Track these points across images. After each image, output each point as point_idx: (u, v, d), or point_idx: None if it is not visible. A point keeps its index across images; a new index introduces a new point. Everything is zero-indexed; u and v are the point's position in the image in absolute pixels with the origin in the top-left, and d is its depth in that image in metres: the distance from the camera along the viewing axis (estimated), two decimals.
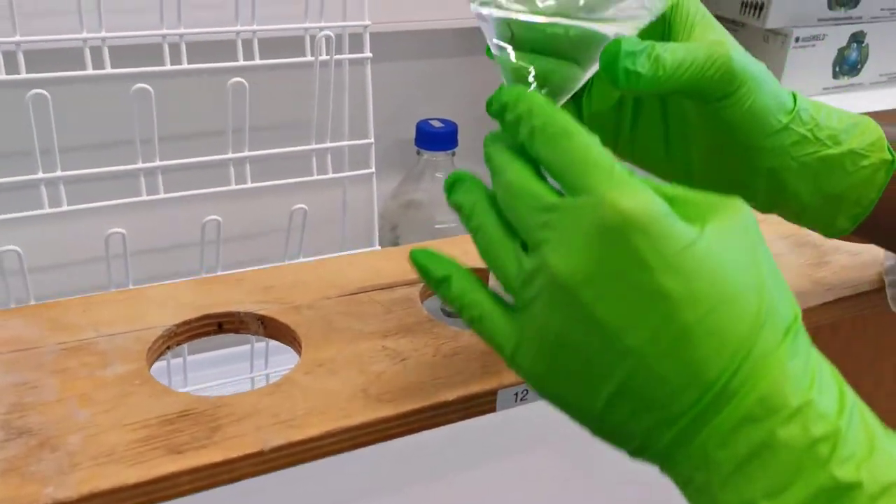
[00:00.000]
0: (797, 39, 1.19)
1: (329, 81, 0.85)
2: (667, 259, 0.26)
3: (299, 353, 0.41)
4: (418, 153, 1.13)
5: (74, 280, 0.88)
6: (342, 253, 0.61)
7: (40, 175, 0.72)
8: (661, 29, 0.36)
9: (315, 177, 0.86)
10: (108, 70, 0.73)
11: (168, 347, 0.41)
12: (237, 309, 0.43)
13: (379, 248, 0.94)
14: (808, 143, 0.38)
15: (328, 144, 0.86)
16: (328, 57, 0.81)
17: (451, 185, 0.32)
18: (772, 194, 0.39)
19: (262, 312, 0.43)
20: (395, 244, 0.98)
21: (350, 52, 0.84)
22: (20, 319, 0.41)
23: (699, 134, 0.38)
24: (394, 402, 0.37)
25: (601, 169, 0.27)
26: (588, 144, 0.28)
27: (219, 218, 0.79)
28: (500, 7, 0.32)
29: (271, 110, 1.01)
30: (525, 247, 0.29)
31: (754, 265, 0.27)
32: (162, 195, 0.78)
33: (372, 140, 0.88)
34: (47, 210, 0.73)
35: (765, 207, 0.40)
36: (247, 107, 0.78)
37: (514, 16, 0.32)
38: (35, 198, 0.74)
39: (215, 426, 0.35)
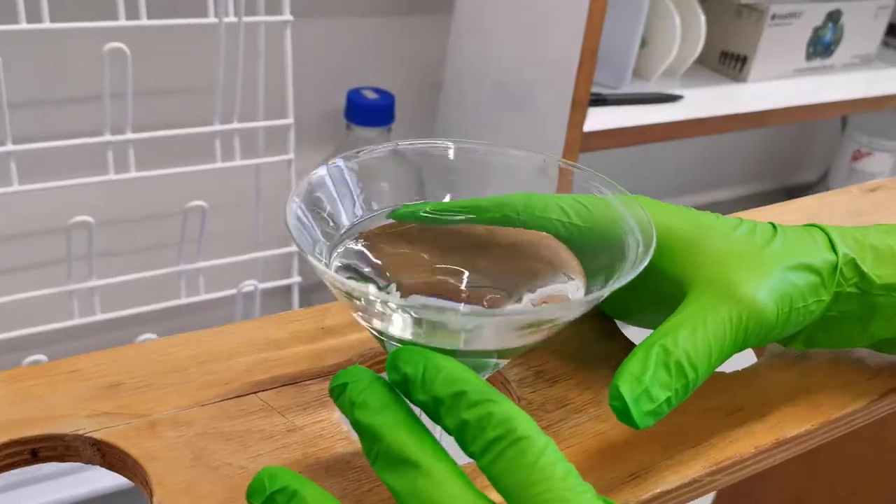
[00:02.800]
0: (773, 17, 1.07)
1: (237, 48, 0.69)
2: None
3: None
4: (348, 127, 0.97)
5: None
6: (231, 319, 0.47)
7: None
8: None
9: (218, 164, 0.71)
10: None
11: None
12: (62, 427, 0.29)
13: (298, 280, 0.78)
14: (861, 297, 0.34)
15: (235, 125, 0.70)
16: (236, 19, 0.65)
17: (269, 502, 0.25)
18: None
19: (98, 435, 0.29)
20: None
21: (266, 14, 0.68)
22: None
23: None
24: None
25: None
26: (543, 459, 0.23)
27: (90, 219, 0.63)
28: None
29: (164, 83, 0.83)
30: None
31: None
32: (15, 187, 0.62)
33: (291, 120, 0.73)
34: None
35: None
36: (129, 79, 0.62)
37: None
38: None
39: None
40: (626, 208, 0.32)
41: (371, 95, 0.94)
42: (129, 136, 0.65)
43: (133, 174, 0.66)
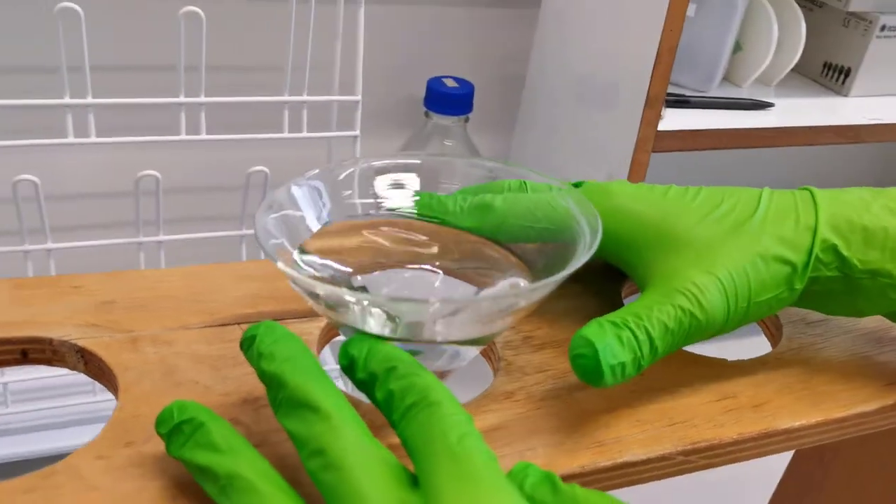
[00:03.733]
0: (882, 28, 1.01)
1: (310, 21, 0.71)
2: None
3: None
4: (426, 115, 0.99)
5: None
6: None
7: (67, 101, 0.61)
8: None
9: (285, 134, 0.73)
10: None
11: None
12: (52, 333, 0.31)
13: None
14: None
15: (304, 98, 0.72)
16: None
17: (176, 430, 0.25)
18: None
19: (83, 343, 0.31)
20: None
21: None
22: None
23: None
24: None
25: (457, 458, 0.23)
26: (448, 419, 0.24)
27: (156, 173, 0.66)
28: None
29: (238, 53, 0.87)
30: None
31: None
32: (93, 139, 0.66)
33: (359, 97, 0.74)
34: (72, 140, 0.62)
35: None
36: (203, 42, 0.65)
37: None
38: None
39: None
40: (576, 205, 0.32)
41: (451, 84, 0.95)
42: (203, 98, 0.68)
43: (203, 136, 0.69)
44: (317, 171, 0.33)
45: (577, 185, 0.36)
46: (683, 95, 0.88)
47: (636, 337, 0.30)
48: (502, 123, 1.06)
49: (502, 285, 0.33)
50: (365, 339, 0.27)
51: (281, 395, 0.25)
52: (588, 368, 0.28)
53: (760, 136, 0.85)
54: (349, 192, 0.34)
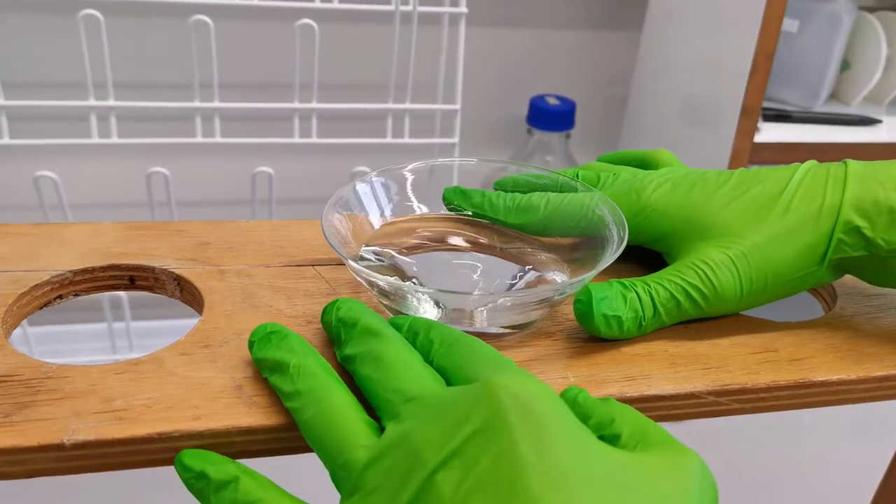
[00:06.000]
0: None
1: (412, 35, 0.77)
2: (545, 456, 0.22)
3: None
4: (529, 132, 1.02)
5: (115, 216, 0.85)
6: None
7: (91, 102, 0.69)
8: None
9: (388, 139, 0.78)
10: None
11: (60, 297, 0.35)
12: (157, 263, 0.36)
13: None
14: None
15: (407, 105, 0.77)
16: (411, 8, 0.72)
17: (265, 338, 0.29)
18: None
19: (180, 272, 0.35)
20: None
21: (448, 6, 0.75)
22: None
23: None
24: (267, 408, 0.28)
25: (497, 363, 0.27)
26: (485, 349, 0.28)
27: (270, 170, 0.73)
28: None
29: (347, 65, 0.94)
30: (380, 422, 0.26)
31: None
32: (218, 139, 0.73)
33: (458, 107, 0.79)
34: (96, 140, 0.70)
35: None
36: (316, 52, 0.71)
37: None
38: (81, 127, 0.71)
39: (28, 402, 0.27)
40: (610, 213, 0.36)
41: (553, 102, 0.98)
42: (314, 104, 0.74)
43: (314, 140, 0.75)
44: (383, 169, 0.38)
45: (617, 175, 0.40)
46: (785, 110, 0.88)
47: (640, 299, 0.33)
48: (605, 141, 1.09)
49: (543, 268, 0.37)
50: (409, 316, 0.31)
51: (352, 332, 0.29)
52: (582, 313, 0.32)
53: (865, 152, 0.83)
54: (410, 191, 0.39)
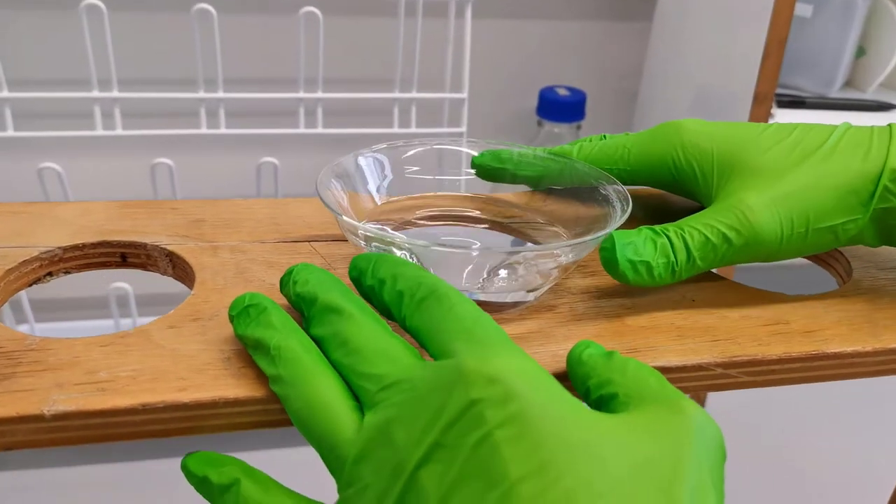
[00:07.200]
0: None
1: (418, 24, 0.76)
2: (523, 441, 0.21)
3: None
4: (539, 123, 1.01)
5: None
6: None
7: (95, 94, 0.69)
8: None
9: (395, 129, 0.77)
10: None
11: (50, 274, 0.34)
12: (149, 240, 0.35)
13: None
14: None
15: (414, 95, 0.76)
16: None
17: (244, 312, 0.28)
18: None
19: (172, 248, 0.35)
20: None
21: None
22: None
23: None
24: (255, 380, 0.27)
25: (473, 330, 0.24)
26: (459, 307, 0.25)
27: (275, 161, 0.72)
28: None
29: (353, 57, 0.93)
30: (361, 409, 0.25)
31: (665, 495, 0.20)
32: (223, 130, 0.72)
33: (465, 95, 0.78)
34: (100, 132, 0.69)
35: None
36: (320, 39, 0.70)
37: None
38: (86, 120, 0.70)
39: (9, 373, 0.26)
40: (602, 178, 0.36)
41: (563, 93, 0.97)
42: (320, 94, 0.73)
43: (319, 130, 0.74)
44: (384, 145, 0.37)
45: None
46: (799, 97, 0.86)
47: (672, 244, 0.31)
48: (616, 132, 1.07)
49: (546, 241, 0.36)
50: (373, 253, 0.29)
51: (312, 310, 0.27)
52: (606, 259, 0.31)
53: None
54: (410, 168, 0.38)
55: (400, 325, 0.27)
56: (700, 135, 0.36)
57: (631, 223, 0.33)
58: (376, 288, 0.27)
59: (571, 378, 0.28)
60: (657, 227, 0.32)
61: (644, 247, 0.31)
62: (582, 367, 0.26)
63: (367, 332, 0.26)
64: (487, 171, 0.39)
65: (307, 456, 0.30)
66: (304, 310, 0.28)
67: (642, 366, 0.26)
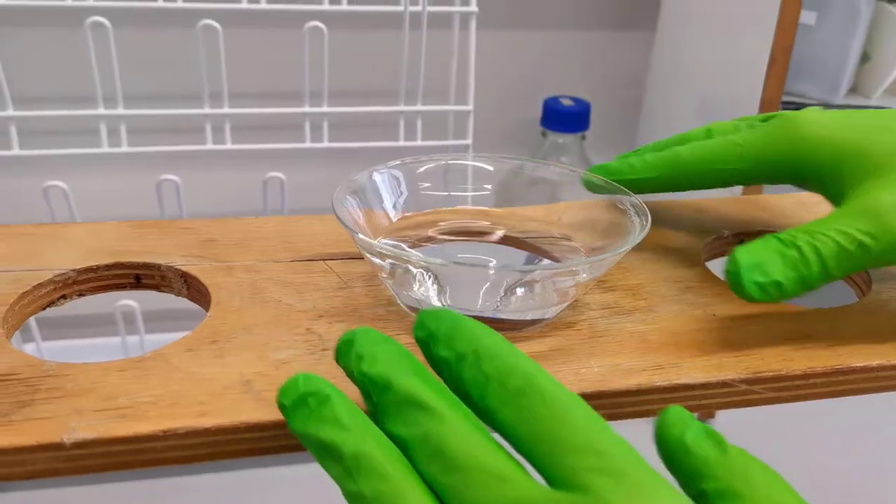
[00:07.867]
0: None
1: (423, 36, 0.76)
2: None
3: None
4: (543, 134, 1.01)
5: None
6: None
7: (101, 112, 0.68)
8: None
9: (401, 143, 0.77)
10: (178, 3, 0.68)
11: (64, 297, 0.34)
12: (163, 261, 0.35)
13: None
14: None
15: (419, 107, 0.76)
16: (420, 8, 0.71)
17: (300, 402, 0.24)
18: None
19: (187, 268, 0.34)
20: None
21: (457, 6, 0.74)
22: None
23: None
24: (275, 404, 0.27)
25: (590, 443, 0.20)
26: (573, 412, 0.21)
27: (282, 175, 0.72)
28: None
29: (358, 71, 0.93)
30: None
31: None
32: (229, 146, 0.72)
33: (470, 107, 0.78)
34: (105, 149, 0.69)
35: None
36: (325, 54, 0.70)
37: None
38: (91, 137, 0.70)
39: (28, 400, 0.26)
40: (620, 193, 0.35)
41: (567, 103, 0.97)
42: (325, 108, 0.73)
43: (325, 144, 0.74)
44: (398, 161, 0.37)
45: (767, 119, 0.36)
46: (804, 104, 0.86)
47: (804, 255, 0.29)
48: (621, 142, 1.07)
49: (563, 257, 0.36)
50: (442, 311, 0.24)
51: (386, 399, 0.23)
52: (734, 284, 0.29)
53: None
54: (425, 184, 0.38)
55: (476, 411, 0.23)
56: (824, 126, 0.33)
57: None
58: (453, 363, 0.23)
59: (666, 461, 0.23)
60: (784, 237, 0.30)
61: (772, 265, 0.29)
62: (690, 457, 0.22)
63: (467, 441, 0.21)
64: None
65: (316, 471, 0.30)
66: (372, 393, 0.24)
67: (767, 469, 0.22)
